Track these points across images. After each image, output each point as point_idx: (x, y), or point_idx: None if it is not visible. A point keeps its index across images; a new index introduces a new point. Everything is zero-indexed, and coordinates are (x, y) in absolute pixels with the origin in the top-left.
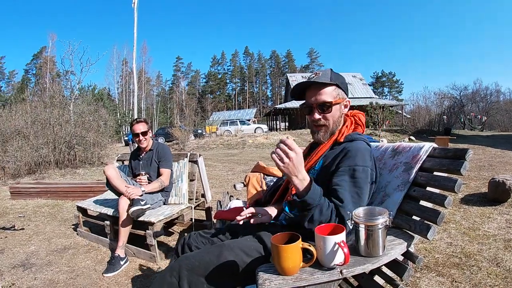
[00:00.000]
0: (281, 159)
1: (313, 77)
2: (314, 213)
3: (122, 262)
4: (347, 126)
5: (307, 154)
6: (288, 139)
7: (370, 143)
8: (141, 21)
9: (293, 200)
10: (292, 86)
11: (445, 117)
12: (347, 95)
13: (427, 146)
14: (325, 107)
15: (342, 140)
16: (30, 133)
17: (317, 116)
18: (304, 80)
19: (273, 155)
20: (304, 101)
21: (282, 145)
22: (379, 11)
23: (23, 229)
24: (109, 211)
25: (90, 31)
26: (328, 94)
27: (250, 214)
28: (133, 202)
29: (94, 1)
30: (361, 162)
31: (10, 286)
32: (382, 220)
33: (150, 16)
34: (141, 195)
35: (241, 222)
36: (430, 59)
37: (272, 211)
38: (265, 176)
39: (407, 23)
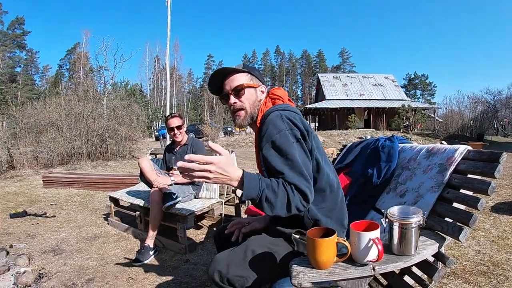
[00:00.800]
0: (206, 178)
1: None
2: (266, 195)
3: (151, 252)
4: (261, 111)
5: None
6: (194, 157)
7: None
8: (173, 19)
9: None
10: (323, 86)
11: (471, 122)
12: (262, 83)
13: (462, 148)
14: (239, 90)
15: (259, 123)
16: (63, 125)
17: (232, 100)
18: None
19: (197, 180)
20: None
21: (199, 166)
22: (411, 12)
23: (54, 216)
24: (141, 202)
25: (123, 28)
26: (241, 79)
27: (239, 227)
28: (165, 197)
29: None
30: (275, 131)
31: (39, 270)
32: (416, 219)
33: (183, 14)
34: (170, 185)
35: (233, 239)
36: (463, 62)
37: (263, 218)
38: None
39: (441, 25)
